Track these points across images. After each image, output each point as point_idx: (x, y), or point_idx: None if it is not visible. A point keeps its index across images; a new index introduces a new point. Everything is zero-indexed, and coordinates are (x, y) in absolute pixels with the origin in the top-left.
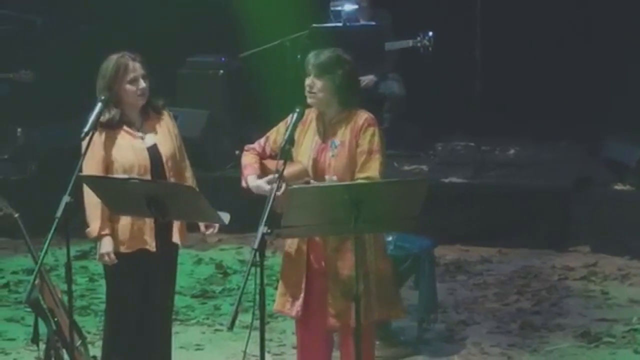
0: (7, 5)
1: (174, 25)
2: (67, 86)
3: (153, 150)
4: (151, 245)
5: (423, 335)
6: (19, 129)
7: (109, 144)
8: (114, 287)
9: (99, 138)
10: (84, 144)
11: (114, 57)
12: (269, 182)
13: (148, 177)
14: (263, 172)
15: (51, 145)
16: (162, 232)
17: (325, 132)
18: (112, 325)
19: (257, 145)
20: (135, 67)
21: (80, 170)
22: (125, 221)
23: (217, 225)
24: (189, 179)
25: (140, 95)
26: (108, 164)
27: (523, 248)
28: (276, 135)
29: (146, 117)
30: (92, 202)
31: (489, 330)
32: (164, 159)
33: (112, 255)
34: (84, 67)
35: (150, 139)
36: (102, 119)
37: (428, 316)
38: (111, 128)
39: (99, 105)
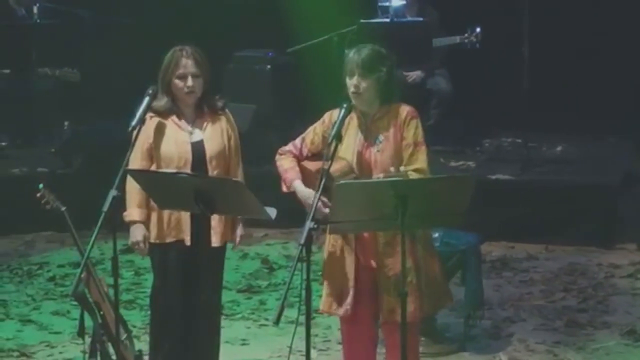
0: (55, 0)
1: (221, 20)
2: (114, 81)
3: (197, 146)
4: (186, 238)
5: (469, 331)
6: (66, 123)
7: (157, 132)
8: (160, 278)
9: (149, 124)
10: (134, 135)
11: (172, 50)
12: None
13: (188, 171)
14: (303, 174)
15: (98, 138)
16: (206, 227)
17: (368, 129)
18: (157, 318)
19: (292, 147)
20: (187, 64)
21: (128, 163)
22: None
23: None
24: (240, 176)
25: (187, 93)
26: (152, 151)
27: (569, 245)
28: (313, 135)
29: (200, 114)
30: (134, 187)
31: (535, 327)
32: (208, 157)
33: (142, 245)
34: (131, 63)
35: (197, 135)
36: (153, 104)
37: (474, 313)
38: (161, 116)
39: (146, 99)
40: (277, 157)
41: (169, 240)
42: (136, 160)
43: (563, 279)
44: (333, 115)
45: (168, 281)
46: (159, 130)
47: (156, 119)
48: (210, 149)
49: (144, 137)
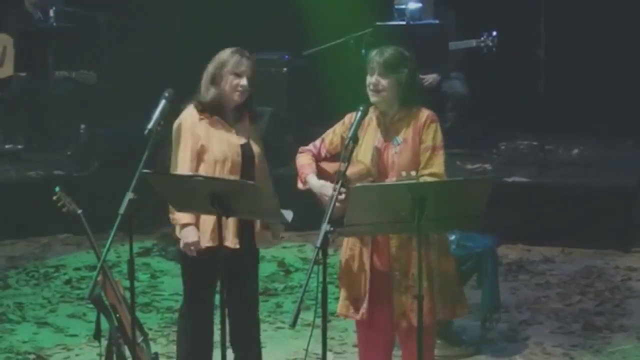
0: (71, 3)
1: (238, 23)
2: (130, 83)
3: (246, 148)
4: (233, 241)
5: (485, 334)
6: (82, 126)
7: (205, 132)
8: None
9: (199, 124)
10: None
11: (230, 49)
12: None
13: (238, 173)
14: (320, 175)
15: (114, 141)
16: (245, 231)
17: (387, 130)
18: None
19: (312, 147)
20: (247, 65)
21: (148, 166)
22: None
23: None
24: (270, 180)
25: (240, 91)
26: (200, 152)
27: (586, 248)
28: (332, 136)
29: (240, 118)
30: None
31: (552, 331)
32: (256, 159)
33: (196, 246)
34: (147, 65)
35: (243, 137)
36: (200, 98)
37: (490, 316)
38: (205, 115)
39: (163, 102)
40: (297, 155)
41: (207, 244)
42: (185, 161)
43: (580, 282)
44: (353, 116)
45: (201, 285)
46: (208, 131)
47: (205, 120)
48: (256, 150)
49: (194, 138)
